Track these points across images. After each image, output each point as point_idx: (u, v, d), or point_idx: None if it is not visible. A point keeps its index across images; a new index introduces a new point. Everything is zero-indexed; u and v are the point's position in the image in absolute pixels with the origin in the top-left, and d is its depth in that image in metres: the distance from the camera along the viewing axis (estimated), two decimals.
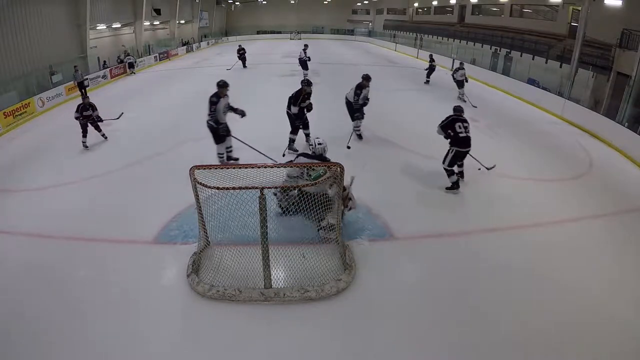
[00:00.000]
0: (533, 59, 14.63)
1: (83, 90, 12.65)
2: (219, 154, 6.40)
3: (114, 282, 3.90)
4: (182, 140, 7.94)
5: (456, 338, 3.27)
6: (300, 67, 14.47)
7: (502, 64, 16.78)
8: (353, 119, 7.75)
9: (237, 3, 39.34)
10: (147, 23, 23.20)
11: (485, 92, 13.63)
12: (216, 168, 3.91)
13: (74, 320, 3.43)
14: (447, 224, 4.91)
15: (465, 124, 5.56)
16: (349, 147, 7.08)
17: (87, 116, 7.55)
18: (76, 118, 7.58)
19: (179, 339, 3.29)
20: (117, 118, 8.60)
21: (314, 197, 3.83)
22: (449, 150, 5.58)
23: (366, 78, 7.50)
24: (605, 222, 5.14)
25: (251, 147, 6.27)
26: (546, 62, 14.04)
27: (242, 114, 6.21)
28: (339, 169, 3.72)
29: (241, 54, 17.33)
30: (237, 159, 6.53)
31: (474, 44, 19.93)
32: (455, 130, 5.48)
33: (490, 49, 18.16)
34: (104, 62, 18.09)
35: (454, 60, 18.18)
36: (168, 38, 27.00)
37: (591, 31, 11.57)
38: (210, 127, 6.17)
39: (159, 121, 9.66)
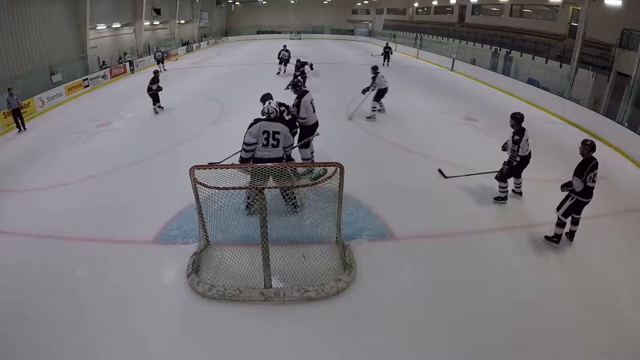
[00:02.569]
0: (533, 59, 14.64)
1: (19, 120, 9.45)
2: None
3: (113, 282, 3.90)
4: (182, 140, 7.95)
5: (456, 338, 3.27)
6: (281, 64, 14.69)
7: (502, 64, 16.80)
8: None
9: (237, 3, 39.34)
10: (147, 23, 23.21)
11: (485, 92, 13.63)
12: (216, 168, 3.91)
13: (73, 320, 3.43)
14: (447, 224, 4.90)
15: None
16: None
17: None
18: None
19: (179, 339, 3.29)
20: None
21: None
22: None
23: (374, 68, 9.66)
24: (605, 222, 5.13)
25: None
26: (546, 62, 14.05)
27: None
28: (338, 169, 3.72)
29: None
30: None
31: (474, 44, 19.95)
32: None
33: (490, 49, 18.17)
34: (103, 62, 18.11)
35: (454, 60, 18.20)
36: (168, 38, 27.01)
37: (591, 31, 11.58)
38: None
39: (159, 121, 9.67)
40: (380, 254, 4.30)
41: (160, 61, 18.37)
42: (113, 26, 19.76)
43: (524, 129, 5.19)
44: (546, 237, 4.58)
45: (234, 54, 25.26)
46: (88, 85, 14.34)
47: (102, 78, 15.62)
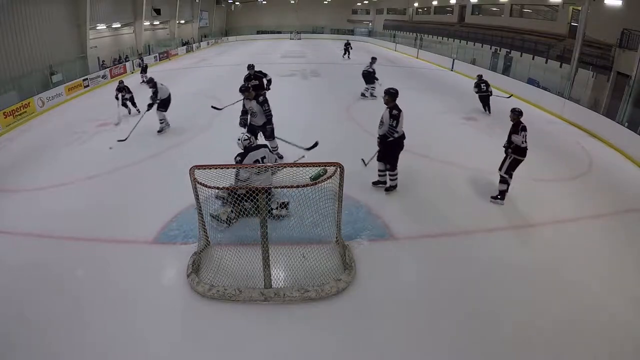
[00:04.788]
0: (533, 59, 14.64)
1: None
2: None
3: (113, 282, 3.90)
4: (182, 140, 7.95)
5: (456, 338, 3.27)
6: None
7: (502, 64, 16.80)
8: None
9: (237, 3, 39.33)
10: (147, 23, 23.21)
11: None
12: (216, 168, 3.91)
13: (73, 320, 3.43)
14: (447, 224, 4.90)
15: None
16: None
17: None
18: None
19: (179, 339, 3.29)
20: None
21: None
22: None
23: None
24: (605, 222, 5.14)
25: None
26: (546, 62, 14.05)
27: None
28: (338, 169, 3.72)
29: None
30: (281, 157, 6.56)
31: (474, 44, 19.95)
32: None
33: (490, 49, 18.17)
34: (103, 61, 18.11)
35: (454, 60, 18.19)
36: (168, 38, 27.01)
37: (591, 31, 11.57)
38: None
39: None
40: (380, 254, 4.30)
41: (143, 70, 15.95)
42: (113, 26, 19.75)
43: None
44: (492, 197, 5.40)
45: (234, 54, 25.24)
46: (88, 85, 14.32)
47: (102, 78, 15.61)
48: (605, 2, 11.25)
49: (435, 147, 7.52)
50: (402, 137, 5.39)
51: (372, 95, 11.35)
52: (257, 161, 4.69)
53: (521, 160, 5.31)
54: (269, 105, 6.25)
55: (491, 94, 10.26)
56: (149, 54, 21.75)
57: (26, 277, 4.00)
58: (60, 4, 15.01)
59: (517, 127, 5.24)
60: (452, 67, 18.07)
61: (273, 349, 3.16)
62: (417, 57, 22.85)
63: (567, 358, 3.12)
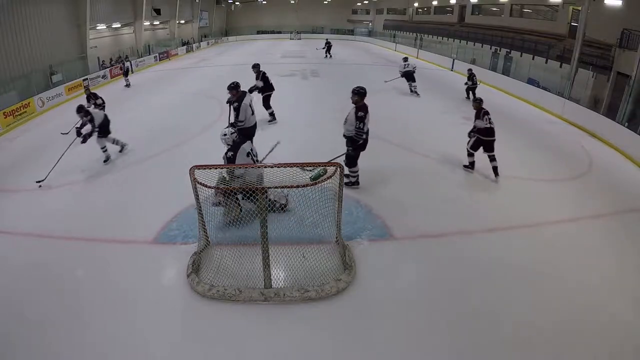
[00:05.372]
0: (533, 59, 14.64)
1: None
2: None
3: (113, 282, 3.90)
4: (181, 140, 7.94)
5: (456, 338, 3.27)
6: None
7: (502, 64, 16.80)
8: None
9: (237, 3, 39.34)
10: (147, 23, 23.21)
11: (485, 92, 13.61)
12: (216, 168, 3.91)
13: (73, 320, 3.43)
14: (447, 224, 4.90)
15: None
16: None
17: None
18: None
19: (179, 339, 3.28)
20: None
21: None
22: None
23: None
24: (605, 222, 5.13)
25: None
26: (546, 62, 14.05)
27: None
28: (338, 169, 3.72)
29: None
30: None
31: (474, 44, 19.94)
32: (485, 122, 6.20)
33: (490, 49, 18.16)
34: (103, 61, 18.11)
35: (454, 60, 18.19)
36: (168, 38, 27.00)
37: (591, 31, 11.57)
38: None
39: (159, 121, 9.65)
40: (380, 254, 4.30)
41: (125, 73, 15.01)
42: (113, 26, 19.75)
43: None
44: (464, 166, 6.53)
45: (234, 54, 25.24)
46: (88, 85, 14.32)
47: (102, 78, 15.61)
48: (605, 2, 11.25)
49: (435, 147, 7.52)
50: (367, 134, 5.46)
51: (417, 93, 12.04)
52: (248, 154, 4.69)
53: (486, 140, 6.16)
54: (237, 113, 6.02)
55: (477, 85, 11.77)
56: (149, 54, 21.76)
57: (26, 277, 4.00)
58: (60, 4, 15.01)
59: (479, 113, 6.19)
60: (452, 67, 18.06)
61: (273, 349, 3.16)
62: (417, 57, 22.83)
63: (567, 358, 3.11)
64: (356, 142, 5.34)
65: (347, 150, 5.47)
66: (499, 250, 4.44)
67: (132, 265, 4.15)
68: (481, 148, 6.19)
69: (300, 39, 36.65)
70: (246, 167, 4.39)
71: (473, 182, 6.14)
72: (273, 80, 9.07)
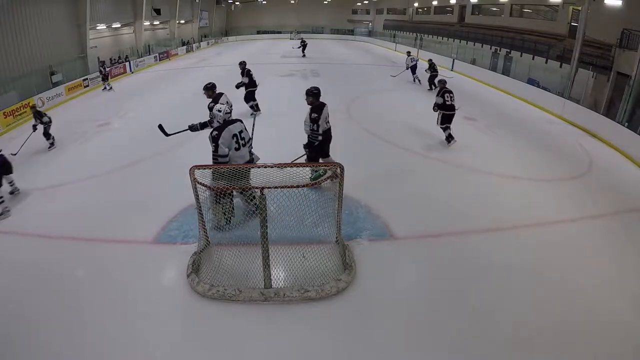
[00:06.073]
0: (533, 59, 14.64)
1: None
2: None
3: (113, 282, 3.90)
4: (181, 140, 7.92)
5: (456, 338, 3.27)
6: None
7: (502, 64, 16.80)
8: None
9: (237, 3, 39.33)
10: (147, 23, 23.21)
11: (485, 92, 13.64)
12: (216, 168, 3.91)
13: (73, 320, 3.43)
14: (447, 224, 4.90)
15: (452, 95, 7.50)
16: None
17: None
18: None
19: (179, 339, 3.28)
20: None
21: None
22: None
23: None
24: (605, 222, 5.14)
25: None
26: (546, 62, 14.05)
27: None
28: (338, 169, 3.72)
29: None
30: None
31: (474, 44, 19.94)
32: (445, 100, 7.44)
33: (490, 49, 18.16)
34: (103, 62, 18.09)
35: (454, 60, 18.19)
36: (168, 38, 27.00)
37: (591, 31, 11.57)
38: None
39: (159, 121, 9.62)
40: (380, 254, 4.30)
41: (105, 77, 14.25)
42: (113, 26, 19.75)
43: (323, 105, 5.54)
44: (446, 139, 7.57)
45: (234, 54, 25.25)
46: (88, 85, 14.32)
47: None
48: (605, 2, 11.25)
49: (435, 147, 7.54)
50: (326, 134, 5.47)
51: (419, 81, 13.76)
52: (235, 136, 4.49)
53: (448, 114, 7.46)
54: (212, 116, 5.70)
55: (437, 74, 12.69)
56: (149, 54, 21.76)
57: (26, 277, 3.99)
58: (60, 4, 15.01)
59: (440, 91, 7.51)
60: (452, 67, 18.07)
61: (273, 349, 3.16)
62: (417, 57, 22.84)
63: (567, 358, 3.11)
64: (312, 144, 5.42)
65: (305, 152, 5.56)
66: (499, 250, 4.44)
67: (132, 266, 4.15)
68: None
69: (300, 38, 36.63)
70: (246, 167, 4.39)
71: (473, 182, 6.14)
72: (273, 79, 9.10)
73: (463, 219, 5.02)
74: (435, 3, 26.85)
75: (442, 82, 7.73)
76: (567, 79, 11.79)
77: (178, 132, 5.54)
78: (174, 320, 3.48)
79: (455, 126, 9.23)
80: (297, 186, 3.59)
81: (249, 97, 9.39)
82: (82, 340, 3.22)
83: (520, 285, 3.86)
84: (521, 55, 15.64)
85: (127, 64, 18.16)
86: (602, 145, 8.28)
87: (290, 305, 3.57)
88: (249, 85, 9.29)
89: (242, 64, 9.32)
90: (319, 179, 5.09)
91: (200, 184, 3.56)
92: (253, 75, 9.28)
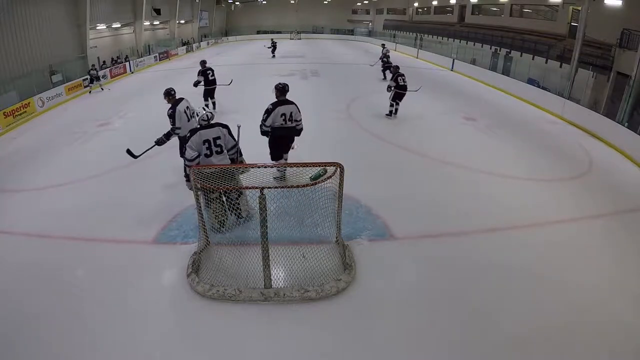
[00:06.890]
0: (533, 59, 14.63)
1: None
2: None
3: (113, 282, 3.90)
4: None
5: (456, 338, 3.27)
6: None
7: (502, 64, 16.78)
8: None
9: (237, 3, 39.33)
10: (147, 23, 23.21)
11: (485, 92, 13.64)
12: (216, 168, 3.91)
13: (73, 320, 3.43)
14: (447, 224, 4.90)
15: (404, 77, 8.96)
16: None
17: None
18: None
19: (179, 339, 3.28)
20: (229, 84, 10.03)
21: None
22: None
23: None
24: (605, 222, 5.13)
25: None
26: (546, 62, 14.05)
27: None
28: (338, 169, 3.72)
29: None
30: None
31: (474, 44, 19.94)
32: (398, 82, 8.89)
33: (490, 49, 18.16)
34: (103, 62, 18.10)
35: (454, 60, 18.20)
36: (168, 38, 27.00)
37: (591, 31, 11.57)
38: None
39: (159, 121, 9.61)
40: (380, 254, 4.30)
41: (95, 79, 13.92)
42: (113, 26, 19.75)
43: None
44: (386, 115, 9.07)
45: (233, 54, 25.26)
46: (88, 85, 14.32)
47: (102, 78, 15.59)
48: (605, 2, 11.25)
49: (435, 147, 7.53)
50: (279, 131, 5.46)
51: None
52: (207, 141, 4.28)
53: (400, 92, 8.90)
54: (174, 120, 5.44)
55: (391, 64, 13.17)
56: (149, 54, 21.76)
57: (26, 277, 4.00)
58: (60, 4, 15.01)
59: (394, 75, 8.91)
60: (452, 67, 18.07)
61: (273, 349, 3.16)
62: (417, 57, 22.85)
63: (567, 358, 3.11)
64: (266, 134, 5.48)
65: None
66: (499, 250, 4.44)
67: (132, 266, 4.15)
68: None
69: (300, 39, 36.68)
70: (246, 168, 4.40)
71: (473, 182, 6.14)
72: (273, 79, 9.09)
73: (463, 219, 5.02)
74: (435, 3, 26.85)
75: (396, 67, 9.09)
76: (567, 79, 11.79)
77: (146, 151, 5.52)
78: (173, 320, 3.48)
79: (455, 126, 9.29)
80: (297, 186, 3.59)
81: (205, 95, 9.75)
82: (82, 340, 3.22)
83: (520, 285, 3.86)
84: (521, 55, 15.64)
85: (127, 64, 18.15)
86: (602, 145, 8.28)
87: (290, 305, 3.57)
88: (206, 84, 9.67)
89: (202, 64, 9.79)
90: (319, 179, 5.08)
91: (200, 184, 3.56)
92: (210, 75, 9.60)
